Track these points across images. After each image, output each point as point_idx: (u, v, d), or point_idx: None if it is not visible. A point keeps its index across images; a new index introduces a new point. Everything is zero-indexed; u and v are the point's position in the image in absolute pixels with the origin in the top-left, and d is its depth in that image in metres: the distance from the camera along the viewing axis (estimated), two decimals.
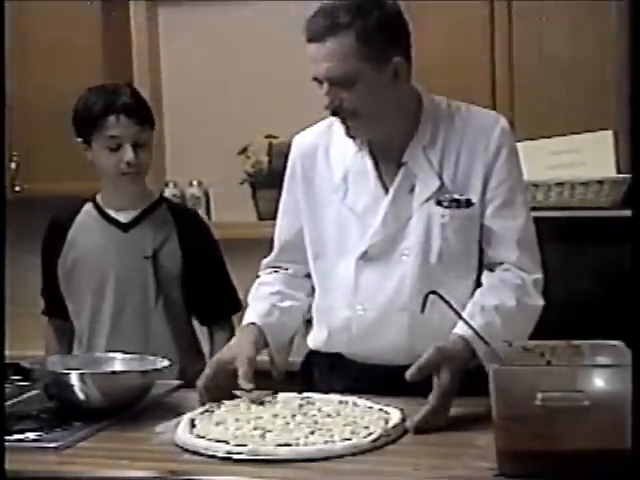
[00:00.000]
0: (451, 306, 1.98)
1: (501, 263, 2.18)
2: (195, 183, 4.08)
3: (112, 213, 2.75)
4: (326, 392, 2.16)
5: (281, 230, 2.39)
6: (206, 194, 4.10)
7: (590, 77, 3.30)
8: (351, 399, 2.05)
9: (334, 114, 2.13)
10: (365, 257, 2.20)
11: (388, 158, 2.21)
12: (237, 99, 4.06)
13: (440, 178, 2.16)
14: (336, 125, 2.25)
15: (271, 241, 2.42)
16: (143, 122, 2.67)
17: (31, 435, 1.94)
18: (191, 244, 2.75)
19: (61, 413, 2.06)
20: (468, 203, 2.16)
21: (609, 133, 3.22)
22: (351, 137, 2.20)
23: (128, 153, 2.63)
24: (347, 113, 2.12)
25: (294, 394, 2.11)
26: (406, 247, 2.18)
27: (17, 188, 3.93)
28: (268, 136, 4.00)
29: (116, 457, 1.85)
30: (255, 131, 4.00)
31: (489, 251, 2.20)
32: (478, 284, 2.20)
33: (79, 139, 2.71)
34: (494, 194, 2.17)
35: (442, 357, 1.96)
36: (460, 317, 1.98)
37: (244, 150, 4.02)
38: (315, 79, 2.12)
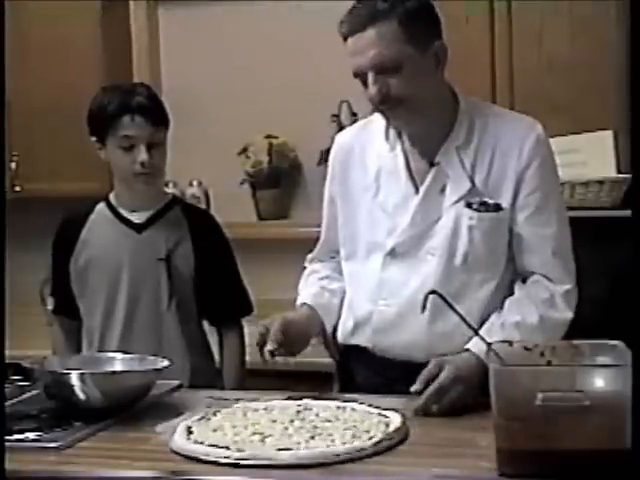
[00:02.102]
0: (451, 306, 1.99)
1: (532, 273, 2.19)
2: (195, 183, 4.08)
3: (125, 213, 2.74)
4: (348, 386, 2.26)
5: (324, 225, 2.43)
6: (206, 194, 4.09)
7: (590, 77, 3.30)
8: (349, 405, 2.04)
9: (381, 103, 2.12)
10: (392, 254, 2.22)
11: (421, 157, 2.21)
12: (237, 99, 4.06)
13: (471, 180, 2.17)
14: (374, 124, 2.28)
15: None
16: (158, 123, 2.66)
17: (31, 435, 1.94)
18: (204, 246, 2.74)
19: (61, 413, 2.06)
20: (497, 207, 2.16)
21: (609, 133, 3.21)
22: (394, 128, 2.21)
23: (142, 154, 2.61)
24: (394, 101, 2.11)
25: (291, 401, 2.10)
26: (432, 247, 2.19)
27: (17, 188, 3.92)
28: (268, 136, 4.00)
29: (116, 457, 1.86)
30: (255, 131, 4.00)
31: (520, 259, 2.21)
32: (504, 288, 2.20)
33: (93, 138, 2.69)
34: (526, 202, 2.17)
35: (441, 362, 2.03)
36: (461, 317, 1.98)
37: (244, 150, 4.02)
38: (357, 75, 2.12)
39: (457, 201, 2.17)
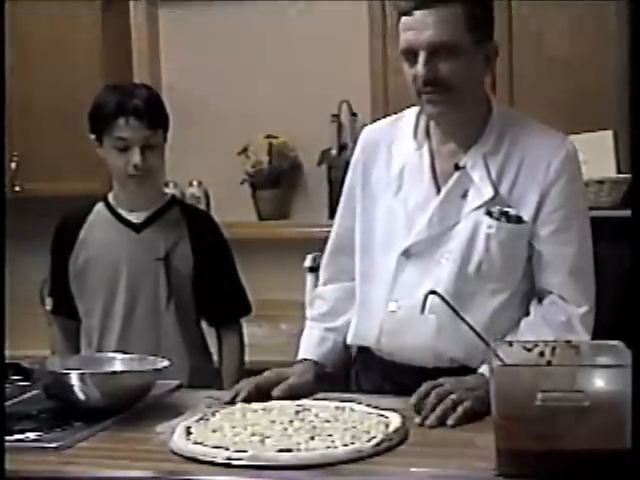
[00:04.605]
0: (451, 306, 1.98)
1: (549, 292, 2.16)
2: (195, 183, 4.08)
3: (124, 213, 2.74)
4: (356, 389, 2.23)
5: (338, 218, 2.39)
6: (206, 194, 4.10)
7: (590, 77, 3.30)
8: (348, 405, 2.03)
9: (426, 85, 2.07)
10: (407, 254, 2.18)
11: (446, 159, 2.18)
12: (237, 99, 4.06)
13: (495, 188, 2.13)
14: (403, 121, 2.26)
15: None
16: (154, 125, 2.65)
17: (31, 435, 1.94)
18: (203, 246, 2.75)
19: (61, 413, 2.06)
20: (518, 219, 2.13)
21: (609, 133, 3.21)
22: (429, 117, 2.17)
23: (135, 156, 2.62)
24: (441, 85, 2.07)
25: (289, 401, 2.09)
26: (447, 251, 2.15)
27: (17, 188, 3.93)
28: (268, 136, 4.00)
29: (116, 457, 1.85)
30: (255, 131, 4.00)
31: (539, 276, 2.17)
32: (517, 300, 2.18)
33: (92, 136, 2.70)
34: (548, 219, 2.13)
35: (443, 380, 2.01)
36: (460, 318, 1.97)
37: (244, 150, 4.02)
38: (405, 52, 2.09)
39: (478, 208, 2.13)
